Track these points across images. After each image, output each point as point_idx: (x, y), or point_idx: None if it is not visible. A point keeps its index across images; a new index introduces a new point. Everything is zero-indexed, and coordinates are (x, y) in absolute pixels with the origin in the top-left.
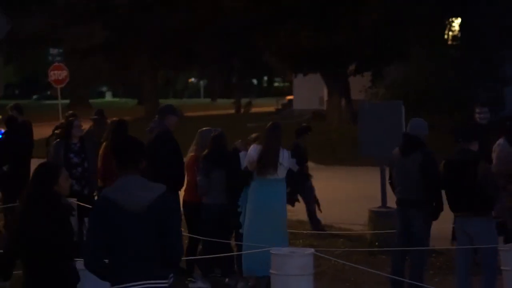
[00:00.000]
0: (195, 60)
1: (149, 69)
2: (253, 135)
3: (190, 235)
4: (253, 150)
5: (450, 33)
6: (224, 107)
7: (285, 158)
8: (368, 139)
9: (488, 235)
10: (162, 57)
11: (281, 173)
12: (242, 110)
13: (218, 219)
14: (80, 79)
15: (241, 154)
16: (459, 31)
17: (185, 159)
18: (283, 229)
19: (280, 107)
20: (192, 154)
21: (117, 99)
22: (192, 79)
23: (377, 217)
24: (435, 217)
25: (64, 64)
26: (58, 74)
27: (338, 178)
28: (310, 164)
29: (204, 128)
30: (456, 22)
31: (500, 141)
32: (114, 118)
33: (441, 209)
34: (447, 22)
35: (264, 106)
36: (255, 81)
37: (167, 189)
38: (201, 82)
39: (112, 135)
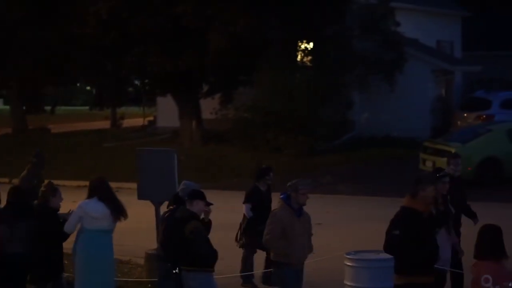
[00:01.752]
0: (65, 78)
1: (16, 85)
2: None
3: None
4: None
5: (300, 57)
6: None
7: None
8: (146, 183)
9: None
10: (31, 74)
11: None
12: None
13: (18, 270)
14: None
15: None
16: (307, 55)
17: None
18: (111, 279)
19: (146, 123)
20: None
21: (7, 107)
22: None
23: (151, 259)
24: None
25: None
26: None
27: None
28: None
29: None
30: (306, 46)
31: None
32: None
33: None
34: (298, 46)
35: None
36: None
37: None
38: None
39: None
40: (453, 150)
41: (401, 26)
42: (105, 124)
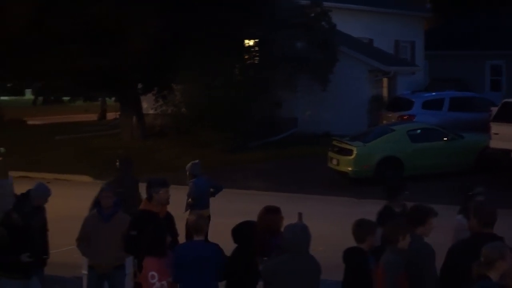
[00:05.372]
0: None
1: None
2: None
3: None
4: None
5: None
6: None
7: None
8: None
9: None
10: None
11: None
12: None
13: None
14: None
15: None
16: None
17: None
18: None
19: (118, 116)
20: None
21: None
22: None
23: None
24: None
25: None
26: None
27: None
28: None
29: None
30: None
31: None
32: None
33: None
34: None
35: None
36: None
37: None
38: None
39: None
40: (354, 149)
41: (354, 27)
42: (94, 117)
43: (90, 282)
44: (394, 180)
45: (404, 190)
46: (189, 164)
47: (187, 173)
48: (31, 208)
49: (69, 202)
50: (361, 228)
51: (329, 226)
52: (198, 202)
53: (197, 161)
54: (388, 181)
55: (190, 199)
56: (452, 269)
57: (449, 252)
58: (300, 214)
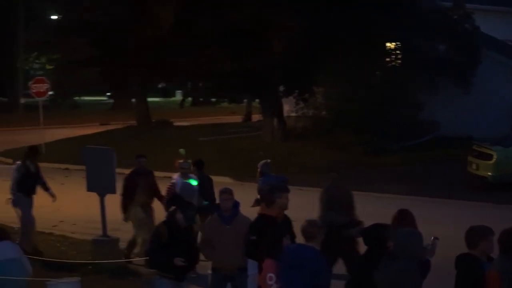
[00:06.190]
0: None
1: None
2: None
3: None
4: None
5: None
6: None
7: None
8: (93, 177)
9: None
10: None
11: None
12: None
13: None
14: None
15: None
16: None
17: None
18: None
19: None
20: None
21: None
22: None
23: (96, 245)
24: None
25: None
26: (39, 87)
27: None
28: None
29: None
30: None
31: None
32: None
33: None
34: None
35: None
36: None
37: None
38: None
39: None
40: (494, 154)
41: (499, 29)
42: (240, 119)
43: (213, 283)
44: None
45: None
46: (261, 162)
47: (258, 170)
48: (194, 210)
49: None
50: (474, 233)
51: (461, 231)
52: None
53: (268, 160)
54: None
55: (259, 196)
56: None
57: None
58: (435, 239)
